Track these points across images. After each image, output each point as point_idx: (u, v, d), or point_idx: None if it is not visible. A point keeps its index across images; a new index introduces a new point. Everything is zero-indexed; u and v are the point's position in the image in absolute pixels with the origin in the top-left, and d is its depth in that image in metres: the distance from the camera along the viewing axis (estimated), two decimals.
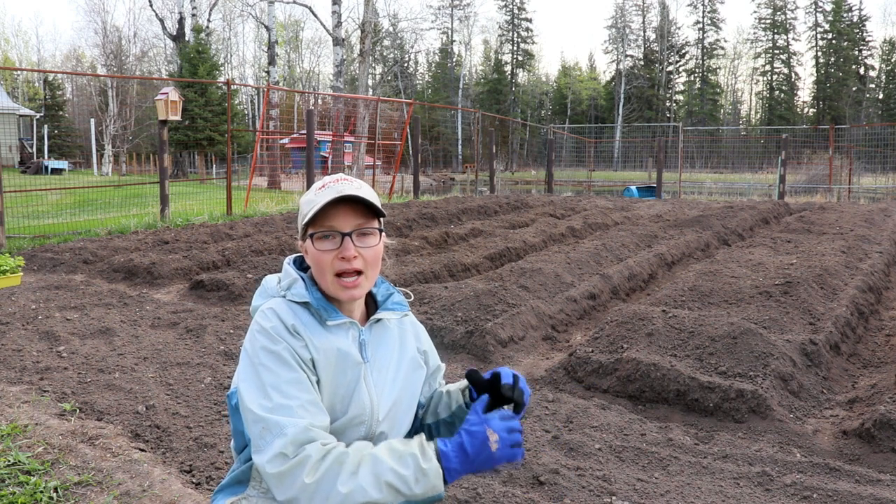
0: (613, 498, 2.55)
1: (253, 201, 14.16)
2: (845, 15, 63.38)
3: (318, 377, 1.42)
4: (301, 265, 1.58)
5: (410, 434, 1.62)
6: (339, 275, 1.44)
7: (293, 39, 66.55)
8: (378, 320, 1.55)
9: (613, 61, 68.82)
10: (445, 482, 1.30)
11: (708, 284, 5.60)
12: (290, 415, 1.31)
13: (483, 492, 2.53)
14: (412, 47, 65.98)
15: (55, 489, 2.53)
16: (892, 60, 60.73)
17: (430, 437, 1.63)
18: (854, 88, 61.22)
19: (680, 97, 68.51)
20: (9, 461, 2.72)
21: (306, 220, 1.43)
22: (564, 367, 4.05)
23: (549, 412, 3.37)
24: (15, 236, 8.93)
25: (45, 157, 31.61)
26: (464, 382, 1.58)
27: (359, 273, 1.45)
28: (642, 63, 66.85)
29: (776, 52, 66.54)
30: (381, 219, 1.50)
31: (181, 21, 32.91)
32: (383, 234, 1.51)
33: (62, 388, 3.62)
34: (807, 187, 22.26)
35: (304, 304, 1.47)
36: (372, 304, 1.59)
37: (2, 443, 2.89)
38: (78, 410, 3.34)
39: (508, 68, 69.44)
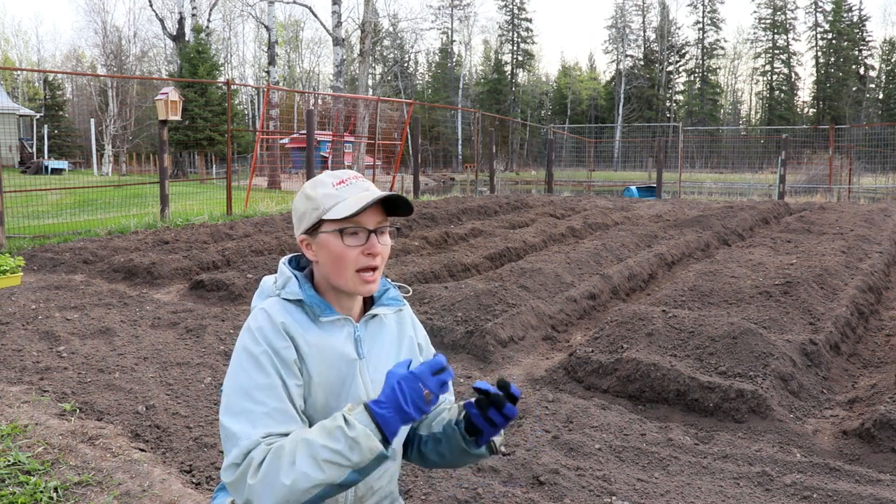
0: (613, 498, 2.55)
1: (253, 201, 14.16)
2: (845, 15, 63.35)
3: (310, 375, 1.43)
4: (297, 265, 1.59)
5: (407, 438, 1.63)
6: (358, 270, 1.46)
7: (293, 39, 66.53)
8: (374, 316, 1.56)
9: (613, 61, 68.83)
10: (388, 440, 1.31)
11: (708, 284, 5.60)
12: (252, 422, 1.34)
13: (483, 492, 2.53)
14: (412, 47, 66.01)
15: (55, 489, 2.53)
16: (892, 60, 60.70)
17: (418, 449, 1.63)
18: (854, 88, 61.18)
19: (680, 97, 68.49)
20: (9, 461, 2.72)
21: (331, 215, 1.44)
22: (564, 367, 4.05)
23: (549, 412, 3.37)
24: (15, 236, 8.93)
25: (45, 157, 31.59)
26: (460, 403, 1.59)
27: (374, 268, 1.48)
28: (642, 63, 66.82)
29: (776, 52, 66.51)
30: (392, 218, 1.53)
31: (181, 21, 32.89)
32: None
33: (62, 388, 3.62)
34: (807, 187, 22.26)
35: (298, 302, 1.48)
36: (368, 298, 1.60)
37: (2, 443, 2.89)
38: (78, 410, 3.34)
39: (508, 68, 69.41)
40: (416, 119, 16.35)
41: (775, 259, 6.77)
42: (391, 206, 1.50)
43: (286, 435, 1.36)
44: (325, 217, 1.45)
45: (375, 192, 1.45)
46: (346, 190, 1.46)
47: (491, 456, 1.55)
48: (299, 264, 1.59)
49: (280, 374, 1.39)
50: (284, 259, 1.58)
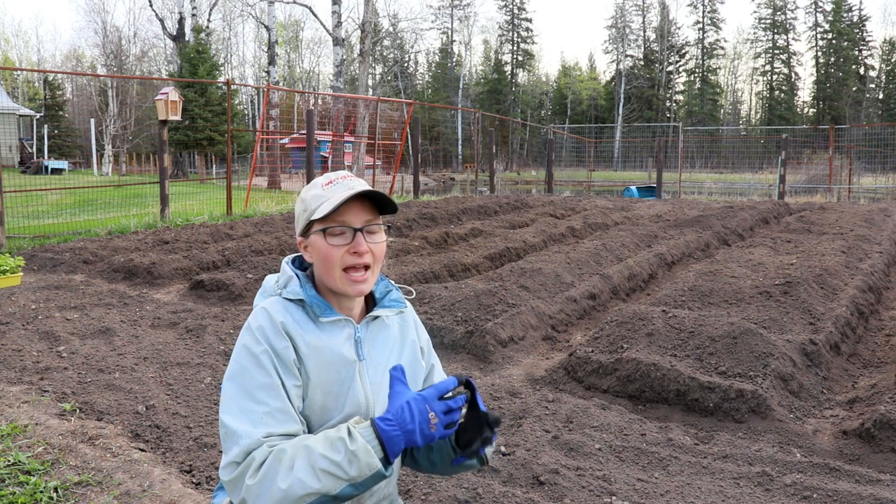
0: (613, 498, 2.55)
1: (253, 201, 14.16)
2: (845, 15, 63.35)
3: (309, 376, 1.42)
4: (300, 265, 1.59)
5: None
6: (346, 269, 1.45)
7: (293, 39, 66.55)
8: (375, 317, 1.55)
9: (613, 61, 68.82)
10: (389, 459, 1.30)
11: (708, 284, 5.60)
12: (253, 421, 1.34)
13: (483, 492, 2.53)
14: (412, 47, 66.03)
15: (55, 489, 2.53)
16: (892, 60, 60.69)
17: (411, 455, 1.61)
18: (854, 88, 61.17)
19: (680, 97, 68.48)
20: (9, 461, 2.72)
21: (316, 215, 1.44)
22: (564, 367, 4.05)
23: (549, 412, 3.37)
24: (15, 236, 8.93)
25: (45, 157, 31.58)
26: None
27: (366, 268, 1.47)
28: (642, 63, 66.81)
29: (776, 52, 66.52)
30: (384, 216, 1.52)
31: (181, 21, 32.88)
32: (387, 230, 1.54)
33: (62, 388, 3.62)
34: (807, 187, 22.27)
35: (299, 302, 1.48)
36: (371, 300, 1.60)
37: (2, 443, 2.89)
38: (78, 410, 3.34)
39: (508, 68, 69.41)
40: (416, 119, 16.35)
41: (775, 259, 6.77)
42: (381, 203, 1.48)
43: (287, 435, 1.35)
44: (312, 218, 1.45)
45: (358, 190, 1.44)
46: (332, 189, 1.45)
47: (482, 467, 1.53)
48: (302, 265, 1.59)
49: (279, 373, 1.39)
50: (287, 259, 1.58)
